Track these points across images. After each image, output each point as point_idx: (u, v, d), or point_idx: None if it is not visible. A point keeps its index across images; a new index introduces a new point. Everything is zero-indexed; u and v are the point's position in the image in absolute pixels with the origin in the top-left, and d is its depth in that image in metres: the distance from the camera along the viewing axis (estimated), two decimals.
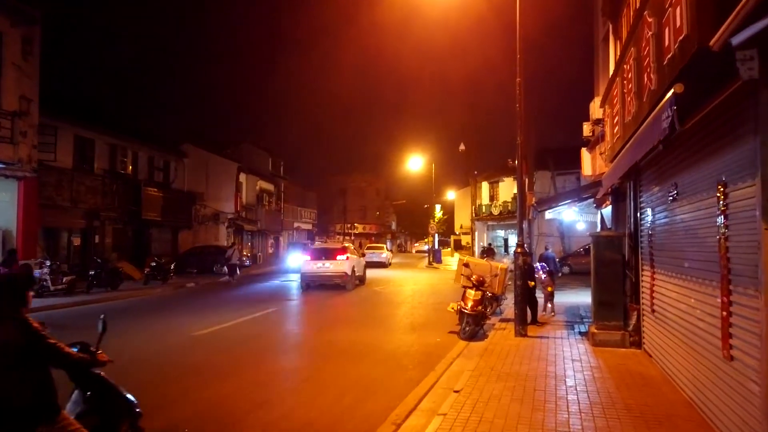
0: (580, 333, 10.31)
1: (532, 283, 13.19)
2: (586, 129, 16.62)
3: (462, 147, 30.57)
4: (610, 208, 13.36)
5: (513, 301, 10.24)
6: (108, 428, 3.52)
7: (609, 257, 9.04)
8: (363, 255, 26.06)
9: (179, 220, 29.55)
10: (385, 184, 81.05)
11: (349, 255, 20.03)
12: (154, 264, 20.98)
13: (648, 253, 8.02)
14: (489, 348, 8.85)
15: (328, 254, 19.85)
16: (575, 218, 18.16)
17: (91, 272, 17.65)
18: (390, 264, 36.92)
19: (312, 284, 19.39)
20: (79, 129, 22.40)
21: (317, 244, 28.08)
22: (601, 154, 13.20)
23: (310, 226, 54.30)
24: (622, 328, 8.89)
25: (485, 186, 41.52)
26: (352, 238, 64.46)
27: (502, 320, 11.82)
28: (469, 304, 10.14)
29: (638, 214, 8.79)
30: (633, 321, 8.80)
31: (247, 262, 29.55)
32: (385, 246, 42.63)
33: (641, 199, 8.64)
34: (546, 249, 18.53)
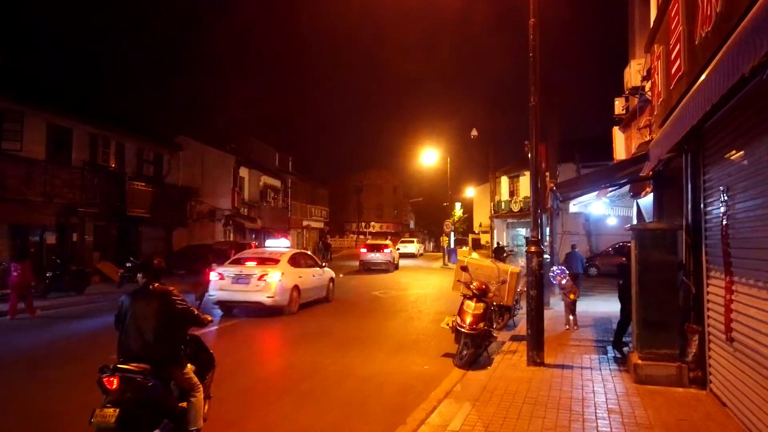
0: (616, 359, 7.79)
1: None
2: (618, 106, 14.05)
3: (474, 133, 28.03)
4: (649, 198, 10.79)
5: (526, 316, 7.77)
6: (200, 375, 4.68)
7: (658, 260, 6.52)
8: (398, 248, 34.84)
9: (173, 218, 27.54)
10: (402, 182, 78.53)
11: (391, 249, 29.74)
12: (130, 264, 18.93)
13: (720, 253, 5.48)
14: (490, 385, 6.39)
15: (378, 248, 29.49)
16: (605, 212, 15.50)
17: (49, 274, 15.60)
18: (421, 255, 44.92)
19: (369, 268, 28.22)
20: (52, 116, 20.44)
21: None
22: (640, 129, 10.62)
23: (321, 225, 52.06)
24: (678, 359, 6.37)
25: (504, 181, 38.82)
26: (368, 236, 62.21)
27: (514, 338, 9.36)
28: (468, 319, 7.70)
29: (701, 200, 6.25)
30: (693, 349, 6.27)
31: None
32: (416, 240, 51.45)
33: (707, 177, 6.11)
34: (573, 248, 15.94)
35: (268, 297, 12.30)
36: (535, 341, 7.12)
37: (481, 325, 7.68)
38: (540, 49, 7.46)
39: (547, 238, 15.45)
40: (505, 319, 10.57)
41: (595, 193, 13.43)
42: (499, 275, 9.00)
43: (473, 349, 7.61)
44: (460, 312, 7.93)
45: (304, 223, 45.60)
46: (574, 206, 14.66)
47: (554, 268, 12.00)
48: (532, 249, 7.19)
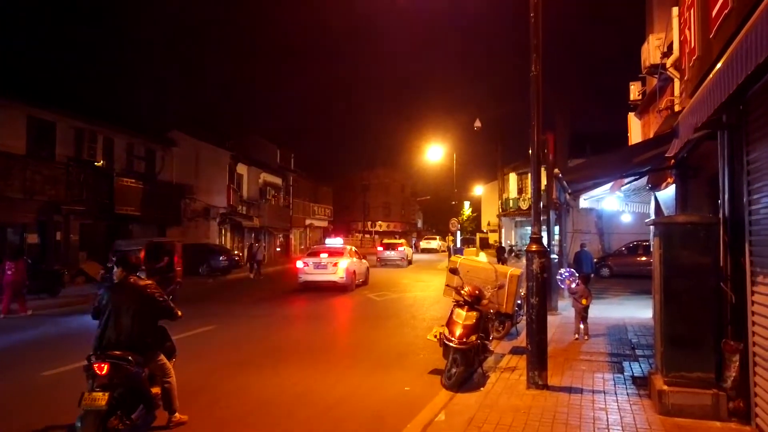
0: (634, 379, 6.53)
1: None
2: (634, 90, 12.76)
3: (477, 124, 26.72)
4: (670, 190, 9.50)
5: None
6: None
7: (690, 261, 5.27)
8: (414, 246, 42.70)
9: (166, 216, 26.50)
10: (410, 180, 77.14)
11: (405, 247, 33.35)
12: (111, 265, 17.82)
13: None
14: (479, 416, 5.17)
15: (393, 246, 32.87)
16: (618, 208, 14.20)
17: None
18: (443, 251, 46.84)
19: (386, 264, 30.79)
20: (33, 109, 19.46)
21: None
22: (660, 111, 9.34)
23: (325, 224, 50.93)
24: (714, 385, 5.11)
25: (513, 178, 37.50)
26: (374, 236, 61.06)
27: (515, 350, 8.12)
28: (457, 331, 6.49)
29: (744, 188, 4.98)
30: (733, 373, 5.01)
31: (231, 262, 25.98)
32: (438, 237, 54.69)
33: (752, 158, 4.85)
34: (582, 247, 14.64)
35: (340, 278, 17.32)
36: (537, 359, 5.88)
37: (473, 338, 6.47)
38: (542, 12, 6.22)
39: (555, 236, 14.18)
40: (506, 328, 9.36)
41: (608, 185, 12.15)
42: (496, 278, 7.77)
43: (463, 366, 6.39)
44: (449, 322, 6.72)
45: (307, 222, 44.50)
46: (584, 201, 13.38)
47: (562, 270, 10.73)
48: (534, 248, 5.95)
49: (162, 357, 4.93)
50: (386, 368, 7.65)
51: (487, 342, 7.16)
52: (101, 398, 4.12)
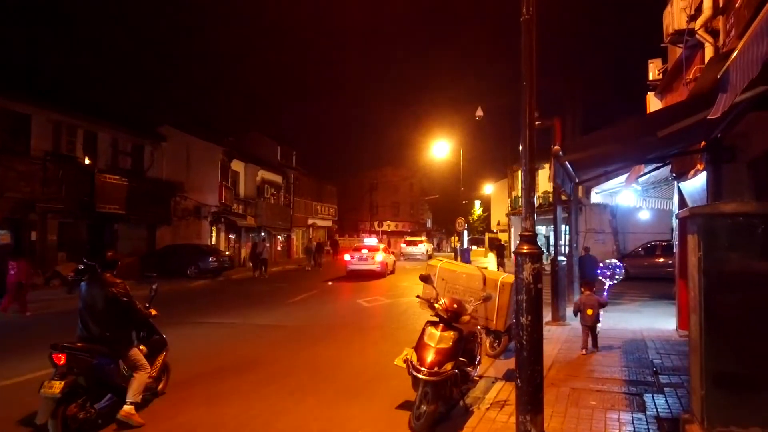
0: (660, 423, 4.98)
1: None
2: (653, 69, 11.21)
3: (479, 113, 25.06)
4: (698, 180, 7.94)
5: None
6: (152, 357, 5.45)
7: (743, 268, 3.72)
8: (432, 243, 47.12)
9: (155, 215, 25.24)
10: (420, 179, 75.52)
11: (424, 244, 41.29)
12: (82, 267, 16.57)
13: None
14: None
15: (414, 243, 41.26)
16: (635, 203, 12.60)
17: None
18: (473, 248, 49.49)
19: (409, 258, 38.09)
20: (4, 100, 18.26)
21: None
22: (688, 83, 7.77)
23: (329, 223, 49.57)
24: None
25: (521, 176, 35.79)
26: (381, 236, 59.62)
27: (510, 375, 6.57)
28: (429, 357, 5.01)
29: None
30: None
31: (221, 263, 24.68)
32: (425, 239, 52.98)
33: None
34: (586, 251, 13.04)
35: (376, 267, 22.97)
36: (529, 400, 4.36)
37: (449, 366, 4.97)
38: None
39: (564, 236, 12.61)
40: (502, 344, 7.83)
41: (623, 177, 10.59)
42: (484, 287, 6.26)
43: (436, 403, 4.90)
44: (419, 345, 5.23)
45: (309, 221, 43.13)
46: (596, 195, 11.82)
47: (610, 261, 9.22)
48: (525, 249, 4.44)
49: (135, 351, 5.17)
50: (349, 398, 6.19)
51: (470, 369, 5.67)
52: (56, 386, 4.39)
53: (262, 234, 33.50)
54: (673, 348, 8.23)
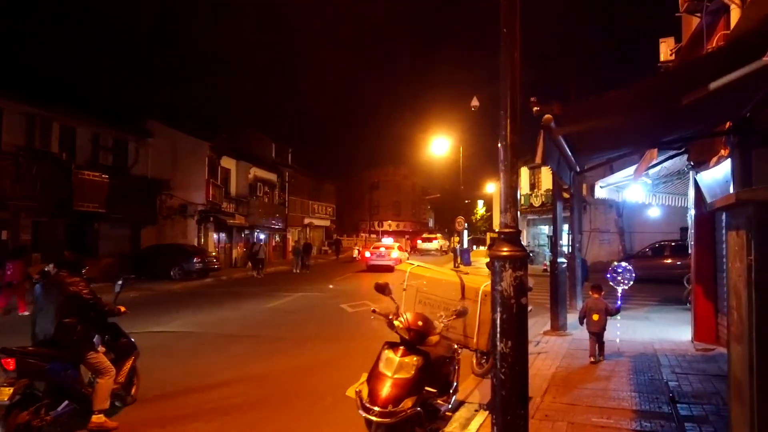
0: None
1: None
2: (665, 48, 10.09)
3: (475, 103, 23.88)
4: (721, 169, 6.78)
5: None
6: (119, 361, 5.21)
7: None
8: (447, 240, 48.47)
9: (139, 214, 24.18)
10: (422, 179, 74.33)
11: (438, 240, 46.72)
12: (47, 270, 15.43)
13: None
14: None
15: (430, 239, 46.92)
16: (643, 199, 11.42)
17: None
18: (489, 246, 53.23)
19: (423, 254, 41.46)
20: None
21: None
22: (711, 50, 6.59)
23: (327, 223, 48.43)
24: None
25: (525, 172, 34.57)
26: (381, 236, 58.49)
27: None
28: (383, 392, 3.88)
29: None
30: None
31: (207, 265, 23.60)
32: (440, 236, 54.86)
33: None
34: (577, 251, 11.85)
35: (391, 263, 25.00)
36: None
37: (409, 402, 3.83)
38: None
39: (564, 235, 11.44)
40: (491, 360, 6.65)
41: (631, 169, 9.42)
42: (463, 297, 5.11)
43: None
44: (372, 375, 4.09)
45: (306, 220, 42.01)
46: (601, 189, 10.65)
47: (619, 264, 8.17)
48: (504, 251, 3.31)
49: (96, 355, 4.91)
50: (304, 427, 5.07)
51: (441, 401, 4.53)
52: (5, 392, 4.20)
53: (258, 233, 32.45)
54: (691, 366, 7.07)
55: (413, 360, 4.05)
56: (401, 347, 4.13)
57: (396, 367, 4.00)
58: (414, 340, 4.15)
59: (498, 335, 3.31)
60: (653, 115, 4.50)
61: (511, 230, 3.36)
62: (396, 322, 4.21)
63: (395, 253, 28.05)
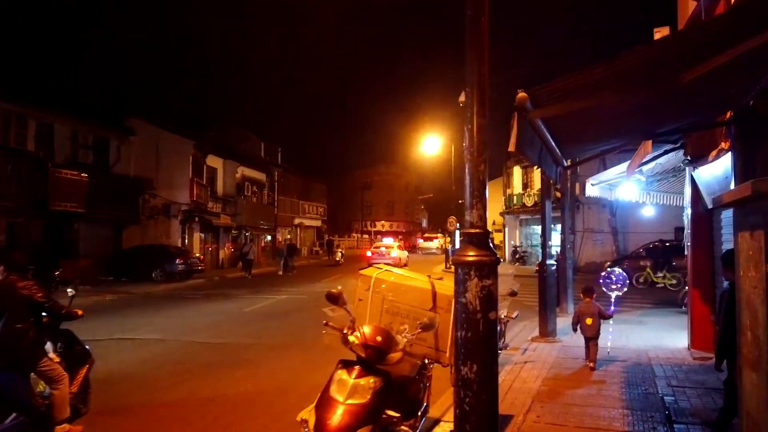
0: None
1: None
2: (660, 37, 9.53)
3: (462, 98, 23.34)
4: (720, 164, 6.25)
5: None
6: (73, 370, 4.79)
7: None
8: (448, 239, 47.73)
9: (121, 213, 23.53)
10: (415, 178, 73.70)
11: (439, 239, 46.96)
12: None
13: None
14: None
15: (431, 239, 50.00)
16: (637, 197, 10.89)
17: None
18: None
19: (425, 252, 46.19)
20: None
21: None
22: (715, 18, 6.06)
23: (318, 223, 47.78)
24: None
25: (517, 172, 34.13)
26: (374, 236, 57.91)
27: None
28: (334, 419, 3.29)
29: None
30: None
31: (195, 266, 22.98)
32: (440, 235, 56.31)
33: None
34: (568, 252, 11.30)
35: (391, 261, 26.17)
36: None
37: None
38: None
39: (554, 235, 10.89)
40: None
41: (623, 165, 8.90)
42: (434, 306, 4.54)
43: None
44: (321, 401, 3.51)
45: (296, 221, 41.39)
46: (592, 188, 10.11)
47: (612, 270, 7.73)
48: (470, 256, 2.75)
49: (47, 362, 4.58)
50: None
51: (405, 427, 3.95)
52: None
53: (246, 234, 31.81)
54: (688, 377, 6.54)
55: (370, 382, 3.47)
56: (357, 367, 3.54)
57: (349, 390, 3.42)
58: (372, 358, 3.57)
59: (462, 357, 2.74)
60: (647, 96, 3.94)
61: (477, 230, 2.80)
62: (351, 338, 3.63)
63: (395, 252, 30.18)
